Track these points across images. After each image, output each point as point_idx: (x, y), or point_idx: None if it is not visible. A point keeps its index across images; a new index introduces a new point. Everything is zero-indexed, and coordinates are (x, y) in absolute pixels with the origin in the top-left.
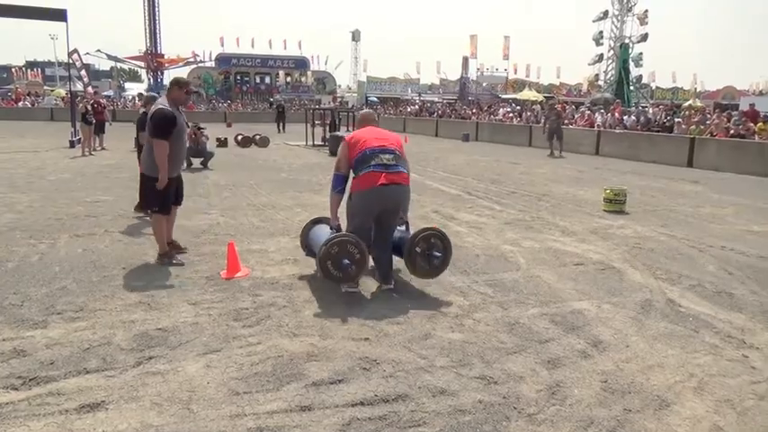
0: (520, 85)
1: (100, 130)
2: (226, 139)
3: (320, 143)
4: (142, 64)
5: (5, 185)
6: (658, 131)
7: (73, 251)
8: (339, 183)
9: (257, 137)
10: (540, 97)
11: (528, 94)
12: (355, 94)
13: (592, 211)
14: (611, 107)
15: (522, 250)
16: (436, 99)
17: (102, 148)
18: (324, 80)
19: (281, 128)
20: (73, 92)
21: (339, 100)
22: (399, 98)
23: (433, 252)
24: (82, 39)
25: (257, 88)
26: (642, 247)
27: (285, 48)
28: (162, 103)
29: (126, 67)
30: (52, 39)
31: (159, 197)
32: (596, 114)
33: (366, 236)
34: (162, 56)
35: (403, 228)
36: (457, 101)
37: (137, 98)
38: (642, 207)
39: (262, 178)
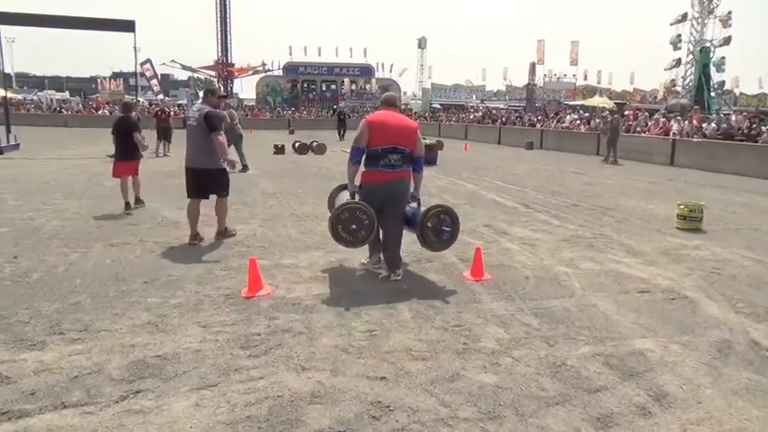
0: (590, 91)
1: (165, 136)
2: (283, 146)
3: None
4: (214, 73)
5: (62, 192)
6: (741, 140)
7: (101, 262)
8: (357, 155)
9: (314, 144)
10: (609, 104)
11: (597, 101)
12: (420, 102)
13: (663, 228)
14: (689, 114)
15: (578, 273)
16: (502, 106)
17: (165, 155)
18: (388, 87)
19: (341, 135)
20: (128, 101)
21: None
22: (464, 105)
23: (442, 227)
24: (160, 50)
25: (323, 96)
26: (721, 273)
27: (351, 56)
28: (204, 106)
29: (201, 76)
30: (137, 51)
31: (227, 183)
32: (672, 122)
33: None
34: (232, 65)
35: (415, 204)
36: (524, 108)
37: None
38: (722, 225)
39: (311, 186)
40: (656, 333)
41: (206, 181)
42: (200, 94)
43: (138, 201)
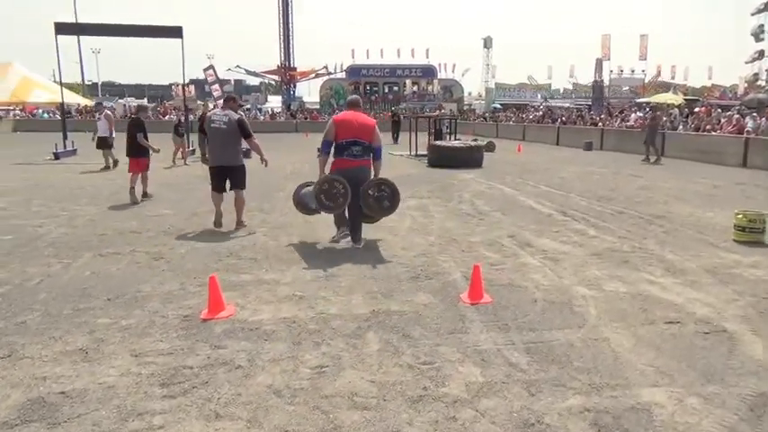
0: (663, 87)
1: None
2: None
3: (424, 153)
4: (277, 77)
5: (89, 197)
6: None
7: (79, 274)
8: (326, 147)
9: None
10: (678, 100)
11: (664, 97)
12: (483, 102)
13: (717, 240)
14: (766, 110)
15: (598, 296)
16: (567, 105)
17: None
18: (450, 88)
19: (395, 137)
20: (141, 104)
21: (436, 109)
22: (528, 104)
23: (382, 195)
24: (231, 56)
25: (385, 98)
26: None
27: (413, 56)
28: (230, 112)
29: (269, 81)
30: (209, 58)
31: (245, 178)
32: (747, 119)
33: None
34: (294, 69)
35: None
36: (589, 106)
37: (271, 110)
38: None
39: None
40: (672, 380)
41: (230, 176)
42: (268, 98)
43: (145, 194)
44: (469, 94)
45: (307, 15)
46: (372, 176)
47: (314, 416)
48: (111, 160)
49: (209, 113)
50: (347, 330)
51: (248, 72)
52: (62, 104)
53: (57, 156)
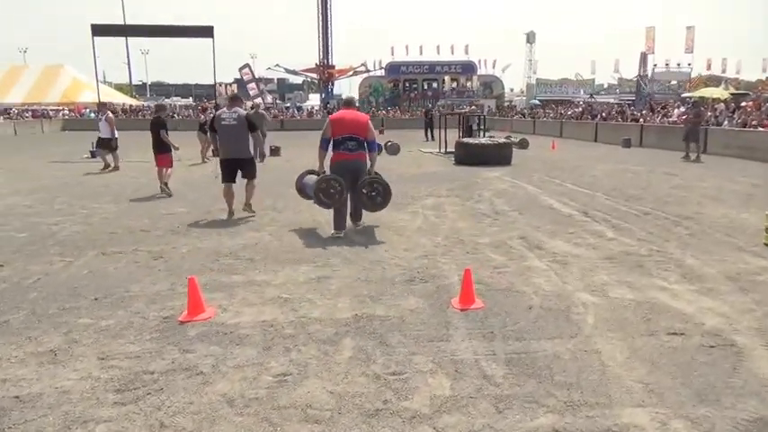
0: (714, 81)
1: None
2: (380, 146)
3: (453, 150)
4: (315, 75)
5: (112, 195)
6: None
7: (77, 273)
8: (324, 144)
9: (388, 144)
10: (724, 95)
11: (710, 92)
12: (525, 98)
13: (747, 244)
14: None
15: (600, 303)
16: (611, 100)
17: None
18: (491, 84)
19: (429, 135)
20: (160, 103)
21: (463, 106)
22: (571, 100)
23: (374, 193)
24: (272, 54)
25: (424, 94)
26: None
27: (452, 53)
28: (239, 110)
29: (310, 79)
30: (252, 57)
31: (255, 169)
32: None
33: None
34: (333, 67)
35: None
36: (633, 102)
37: (310, 108)
38: None
39: None
40: (661, 399)
41: (241, 168)
42: (310, 96)
43: (166, 185)
44: (511, 90)
45: (347, 13)
46: (369, 167)
47: (260, 428)
48: (111, 161)
49: (218, 113)
50: (323, 336)
51: (288, 71)
52: (98, 104)
53: (93, 154)
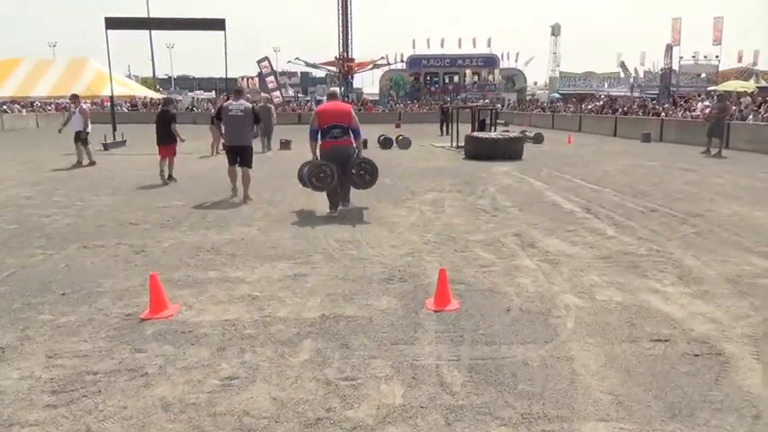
0: (745, 74)
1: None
2: (365, 140)
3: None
4: (335, 68)
5: (112, 188)
6: None
7: (54, 267)
8: (313, 135)
9: (400, 138)
10: (750, 87)
11: (734, 85)
12: (547, 91)
13: (755, 244)
14: None
15: (584, 306)
16: (636, 94)
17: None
18: (513, 77)
19: (444, 130)
20: (169, 97)
21: (479, 99)
22: (594, 94)
23: (363, 172)
24: (296, 48)
25: (445, 88)
26: None
27: (474, 46)
28: (245, 102)
29: (333, 72)
30: (275, 51)
31: (252, 157)
32: None
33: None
34: (352, 60)
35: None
36: (657, 95)
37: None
38: None
39: None
40: (629, 413)
41: (241, 154)
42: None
43: (171, 177)
44: (534, 83)
45: (368, 5)
46: (355, 151)
47: (196, 420)
48: (86, 156)
49: (225, 104)
50: (284, 337)
51: (307, 64)
52: (111, 97)
53: (105, 146)
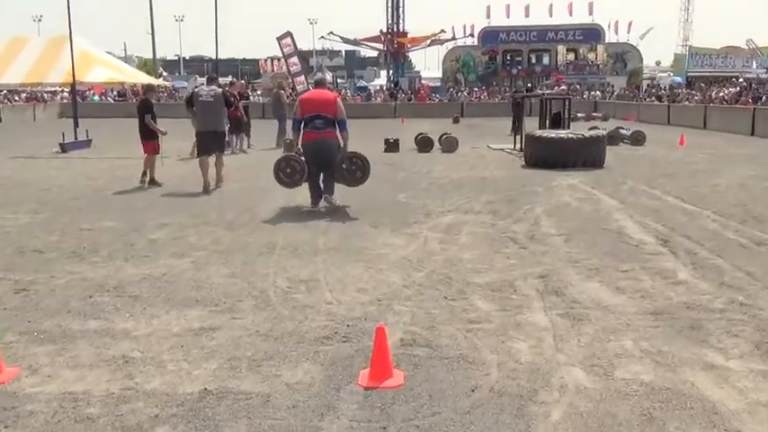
0: None
1: (236, 130)
2: (397, 140)
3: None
4: (380, 46)
5: (42, 202)
6: None
7: None
8: (296, 124)
9: (444, 137)
10: None
11: None
12: (671, 74)
13: None
14: None
15: (588, 388)
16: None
17: (242, 151)
18: (624, 55)
19: (516, 125)
20: (149, 84)
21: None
22: (738, 77)
23: (353, 167)
24: (336, 21)
25: (531, 71)
26: None
27: (571, 14)
28: (215, 88)
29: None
30: (311, 23)
31: (225, 143)
32: None
33: (312, 170)
34: (405, 34)
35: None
36: None
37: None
38: None
39: (365, 202)
40: None
41: (214, 140)
42: (381, 73)
43: (153, 181)
44: (657, 63)
45: None
46: (342, 146)
47: None
48: None
49: (196, 89)
50: (131, 422)
51: (344, 40)
52: (73, 85)
53: (63, 148)
